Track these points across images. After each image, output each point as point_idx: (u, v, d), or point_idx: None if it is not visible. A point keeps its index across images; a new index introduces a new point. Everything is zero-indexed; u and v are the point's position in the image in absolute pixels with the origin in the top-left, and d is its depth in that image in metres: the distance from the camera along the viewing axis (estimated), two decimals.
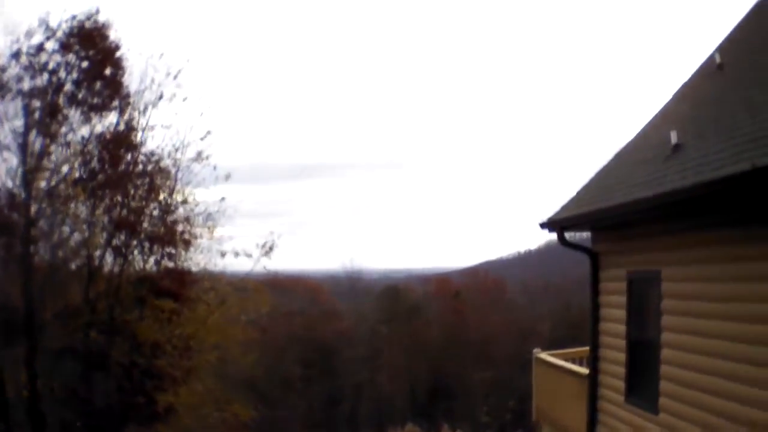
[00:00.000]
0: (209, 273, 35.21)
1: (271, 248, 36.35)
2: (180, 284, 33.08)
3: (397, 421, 74.73)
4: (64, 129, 31.82)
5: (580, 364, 21.41)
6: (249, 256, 35.68)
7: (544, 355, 23.68)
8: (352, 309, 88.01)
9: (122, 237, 33.01)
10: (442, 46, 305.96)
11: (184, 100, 33.24)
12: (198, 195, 35.03)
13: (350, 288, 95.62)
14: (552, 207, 19.75)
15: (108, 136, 32.22)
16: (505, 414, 71.66)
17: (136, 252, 33.95)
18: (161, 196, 34.02)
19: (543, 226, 18.98)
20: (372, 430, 74.00)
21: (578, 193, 18.83)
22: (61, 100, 31.49)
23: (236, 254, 34.92)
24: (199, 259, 34.88)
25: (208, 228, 34.58)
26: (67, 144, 32.07)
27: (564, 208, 18.67)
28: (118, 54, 32.48)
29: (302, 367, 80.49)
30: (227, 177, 34.56)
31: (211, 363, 35.12)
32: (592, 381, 18.30)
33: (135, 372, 31.89)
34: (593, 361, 18.29)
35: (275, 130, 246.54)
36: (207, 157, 34.23)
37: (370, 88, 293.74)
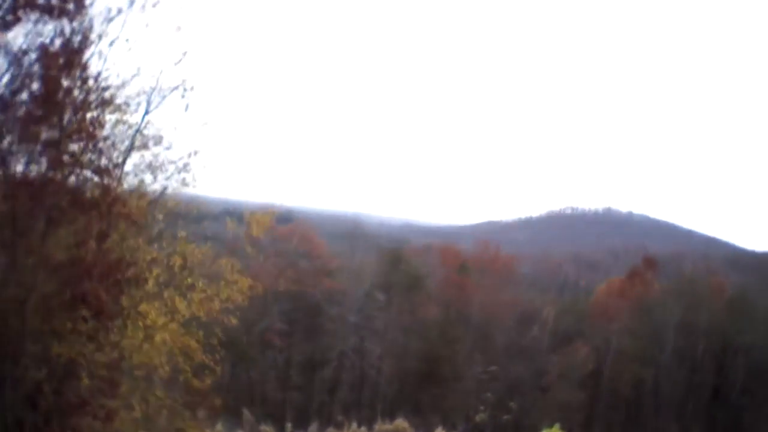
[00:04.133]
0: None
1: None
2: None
3: (379, 401, 67.85)
4: None
5: None
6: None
7: None
8: (348, 266, 76.96)
9: None
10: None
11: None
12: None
13: (349, 236, 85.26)
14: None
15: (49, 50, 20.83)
16: (502, 414, 62.02)
17: None
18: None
19: None
20: (352, 408, 65.41)
21: None
22: None
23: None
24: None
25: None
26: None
27: None
28: None
29: (285, 324, 70.66)
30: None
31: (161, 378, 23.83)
32: None
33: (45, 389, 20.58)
34: None
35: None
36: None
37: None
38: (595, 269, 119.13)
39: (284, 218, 74.42)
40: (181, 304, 23.43)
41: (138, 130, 22.76)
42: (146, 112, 22.98)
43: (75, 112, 21.04)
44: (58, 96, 20.56)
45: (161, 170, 23.61)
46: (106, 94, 21.89)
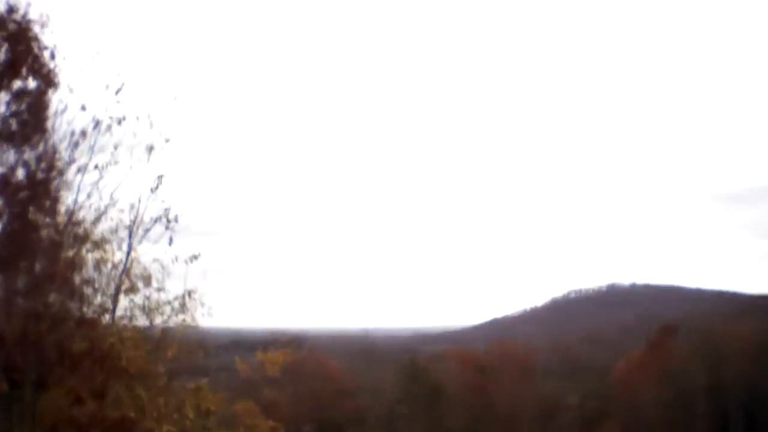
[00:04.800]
0: None
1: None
2: None
3: None
4: None
5: None
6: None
7: None
8: (366, 383, 75.24)
9: None
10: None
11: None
12: None
13: (363, 353, 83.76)
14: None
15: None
16: None
17: None
18: None
19: None
20: None
21: None
22: None
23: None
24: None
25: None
26: None
27: None
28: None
29: None
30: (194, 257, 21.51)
31: None
32: None
33: None
34: None
35: None
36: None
37: None
38: (608, 347, 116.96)
39: (292, 344, 72.89)
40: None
41: (124, 271, 20.90)
42: (129, 249, 21.08)
43: (46, 253, 18.98)
44: (26, 235, 18.49)
45: (157, 312, 21.58)
46: (80, 230, 20.14)
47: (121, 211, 20.95)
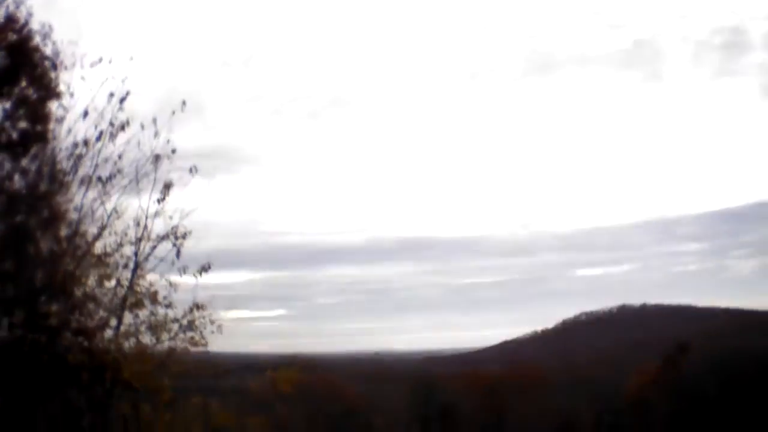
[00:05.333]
0: None
1: None
2: None
3: None
4: None
5: None
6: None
7: None
8: (378, 403, 74.51)
9: None
10: None
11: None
12: None
13: (379, 371, 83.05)
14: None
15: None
16: None
17: None
18: None
19: None
20: None
21: None
22: None
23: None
24: None
25: None
26: None
27: None
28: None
29: None
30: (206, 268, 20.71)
31: None
32: None
33: None
34: None
35: None
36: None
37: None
38: (620, 367, 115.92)
39: (305, 367, 72.60)
40: None
41: (129, 286, 20.05)
42: (135, 265, 20.25)
43: (46, 265, 18.18)
44: (24, 245, 17.87)
45: (164, 329, 20.84)
46: (82, 243, 19.33)
47: (127, 226, 20.24)
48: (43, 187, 18.46)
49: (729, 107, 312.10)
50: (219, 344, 22.25)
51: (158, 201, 20.20)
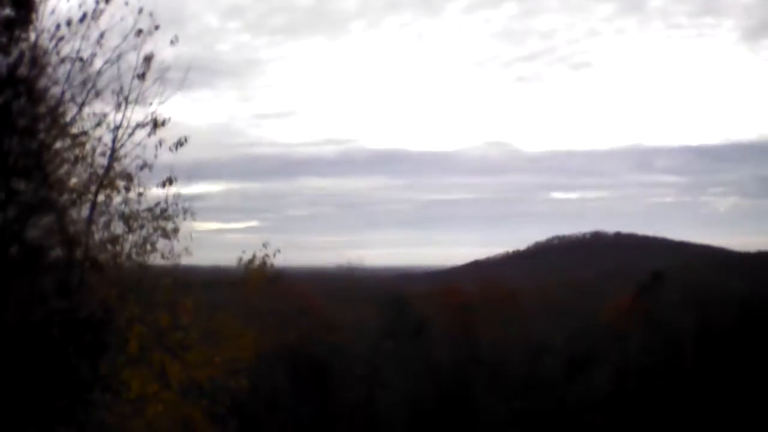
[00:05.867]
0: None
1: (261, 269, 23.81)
2: None
3: None
4: None
5: None
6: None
7: None
8: (350, 318, 73.44)
9: None
10: None
11: None
12: None
13: (349, 287, 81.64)
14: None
15: None
16: None
17: None
18: None
19: None
20: None
21: None
22: None
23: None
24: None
25: None
26: None
27: None
28: None
29: (292, 384, 66.71)
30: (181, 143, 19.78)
31: None
32: None
33: None
34: None
35: None
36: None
37: None
38: (592, 294, 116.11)
39: (272, 280, 71.13)
40: (173, 368, 19.61)
41: (105, 169, 19.11)
42: (112, 151, 19.25)
43: (22, 140, 16.65)
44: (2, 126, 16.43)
45: (136, 218, 20.14)
46: (61, 120, 18.10)
47: (106, 108, 19.37)
48: (23, 69, 17.18)
49: (710, 46, 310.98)
50: (191, 257, 21.75)
51: (139, 77, 19.28)
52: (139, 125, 19.74)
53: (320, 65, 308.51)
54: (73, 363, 15.45)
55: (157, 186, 19.91)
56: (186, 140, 19.58)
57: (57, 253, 16.88)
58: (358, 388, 68.74)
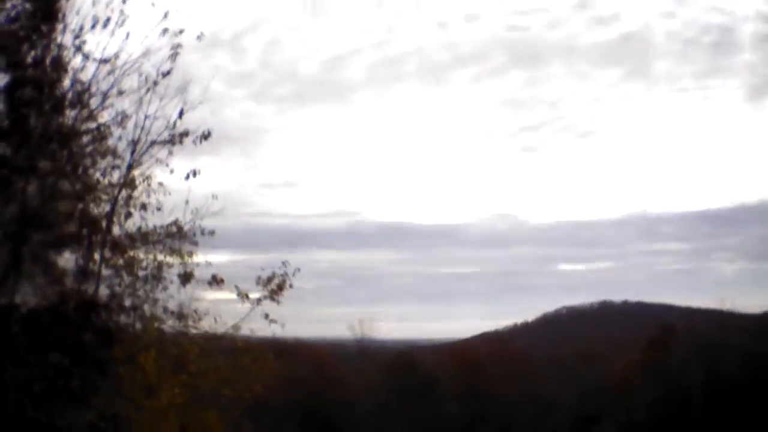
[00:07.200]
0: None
1: (280, 287, 20.80)
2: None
3: None
4: None
5: None
6: (245, 297, 20.62)
7: None
8: (360, 379, 73.44)
9: None
10: None
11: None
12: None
13: (359, 356, 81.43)
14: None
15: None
16: None
17: None
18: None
19: None
20: None
21: None
22: None
23: (216, 284, 19.86)
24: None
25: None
26: None
27: None
28: None
29: None
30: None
31: None
32: None
33: None
34: None
35: None
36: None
37: None
38: (599, 360, 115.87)
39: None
40: (192, 350, 19.53)
41: (127, 170, 18.82)
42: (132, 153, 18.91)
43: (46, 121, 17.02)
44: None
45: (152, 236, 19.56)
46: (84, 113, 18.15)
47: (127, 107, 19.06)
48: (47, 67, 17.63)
49: (715, 107, 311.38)
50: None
51: (163, 75, 18.96)
52: (155, 142, 19.40)
53: (325, 134, 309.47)
54: (86, 344, 15.65)
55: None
56: (210, 133, 19.42)
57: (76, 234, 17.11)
58: None
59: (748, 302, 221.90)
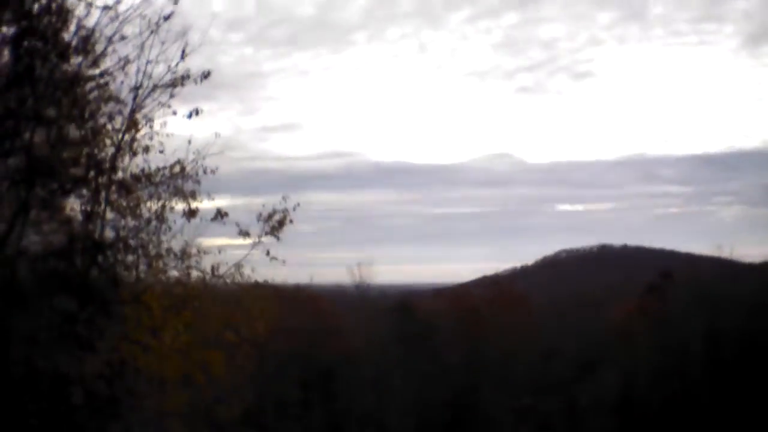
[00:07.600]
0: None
1: (281, 223, 21.44)
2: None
3: None
4: None
5: None
6: (246, 234, 21.26)
7: None
8: (360, 326, 73.50)
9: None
10: None
11: None
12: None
13: (358, 302, 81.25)
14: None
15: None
16: None
17: None
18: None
19: None
20: None
21: None
22: None
23: (220, 217, 20.38)
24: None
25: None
26: None
27: None
28: None
29: (301, 390, 66.82)
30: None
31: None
32: None
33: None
34: None
35: None
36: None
37: None
38: (599, 304, 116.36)
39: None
40: (196, 288, 19.70)
41: (130, 114, 19.14)
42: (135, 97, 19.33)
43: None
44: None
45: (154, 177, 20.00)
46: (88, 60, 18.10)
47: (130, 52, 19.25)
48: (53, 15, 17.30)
49: (710, 53, 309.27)
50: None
51: (165, 18, 19.08)
52: (157, 86, 19.73)
53: (322, 77, 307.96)
54: (93, 285, 15.68)
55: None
56: (209, 73, 19.69)
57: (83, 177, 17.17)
58: (366, 395, 68.42)
59: (746, 250, 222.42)
